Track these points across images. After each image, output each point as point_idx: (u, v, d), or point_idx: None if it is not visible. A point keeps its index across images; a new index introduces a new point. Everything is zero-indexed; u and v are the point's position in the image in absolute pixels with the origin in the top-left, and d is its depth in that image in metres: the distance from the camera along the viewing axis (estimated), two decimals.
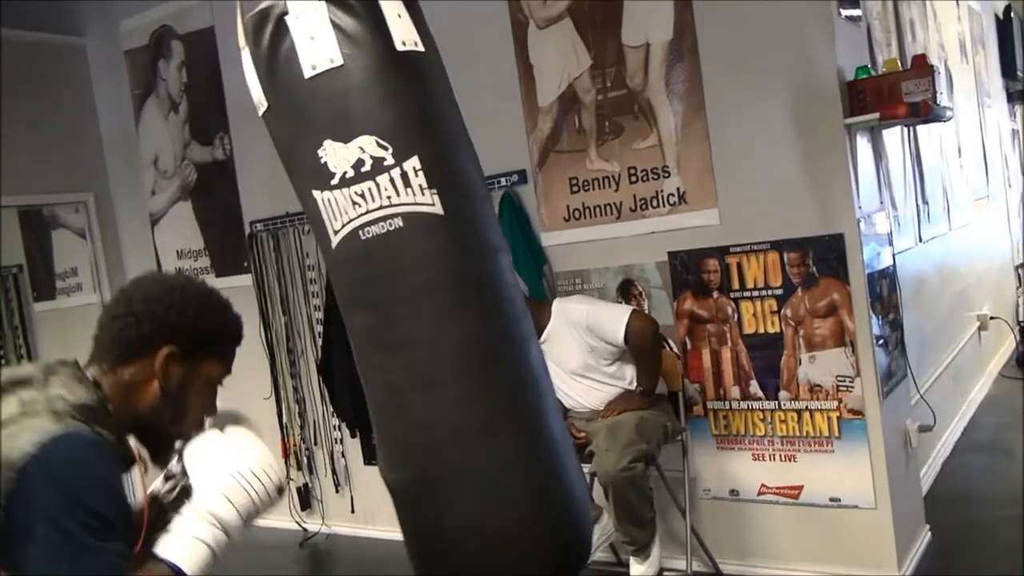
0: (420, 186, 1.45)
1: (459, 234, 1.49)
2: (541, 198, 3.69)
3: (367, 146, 1.45)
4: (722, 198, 3.28)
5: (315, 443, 4.66)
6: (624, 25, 3.38)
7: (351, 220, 1.46)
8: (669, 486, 3.32)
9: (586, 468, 3.41)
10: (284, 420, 4.67)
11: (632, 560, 3.13)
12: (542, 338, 3.27)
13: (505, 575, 1.48)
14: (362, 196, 1.45)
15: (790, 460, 3.28)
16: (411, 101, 1.51)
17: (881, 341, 3.19)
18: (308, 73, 1.44)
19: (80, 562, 1.08)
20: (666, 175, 3.38)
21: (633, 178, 3.45)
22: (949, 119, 3.71)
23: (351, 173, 1.45)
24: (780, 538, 3.35)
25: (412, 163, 1.46)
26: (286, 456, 4.69)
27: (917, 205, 4.36)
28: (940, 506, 3.69)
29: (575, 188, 3.59)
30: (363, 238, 1.45)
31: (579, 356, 3.22)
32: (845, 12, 3.13)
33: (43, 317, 5.81)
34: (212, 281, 4.93)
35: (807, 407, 3.21)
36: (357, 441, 4.49)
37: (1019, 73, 7.24)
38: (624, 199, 3.48)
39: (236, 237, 4.73)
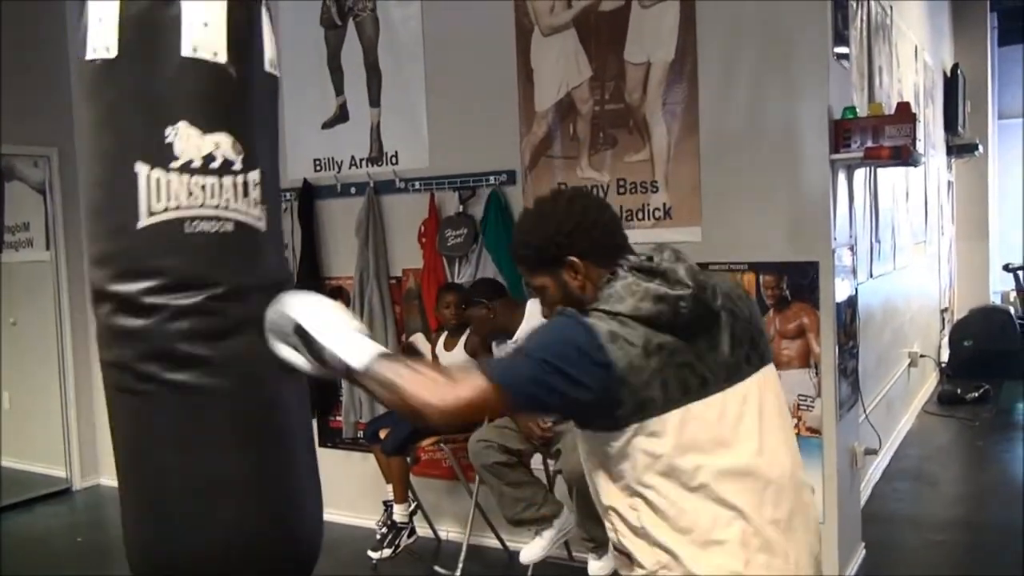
0: (255, 199, 1.52)
1: (273, 253, 1.59)
2: (528, 200, 3.79)
3: (223, 143, 1.48)
4: (706, 217, 3.44)
5: None
6: (628, 42, 3.51)
7: (180, 207, 1.45)
8: None
9: (552, 465, 3.54)
10: None
11: (590, 557, 3.25)
12: (514, 338, 3.36)
13: None
14: (202, 189, 1.46)
15: None
16: (268, 114, 1.62)
17: (841, 366, 3.38)
18: (187, 52, 1.44)
19: None
20: (654, 190, 3.52)
21: (621, 189, 3.58)
22: (921, 165, 3.96)
23: (198, 163, 1.46)
24: None
25: (254, 175, 1.52)
26: None
27: (871, 242, 4.62)
28: (873, 526, 3.92)
29: None
30: (187, 231, 1.45)
31: None
32: (837, 49, 3.32)
33: None
34: None
35: None
36: (314, 421, 4.50)
37: (959, 128, 7.68)
38: None
39: None
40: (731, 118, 3.36)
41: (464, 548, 3.64)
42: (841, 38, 3.41)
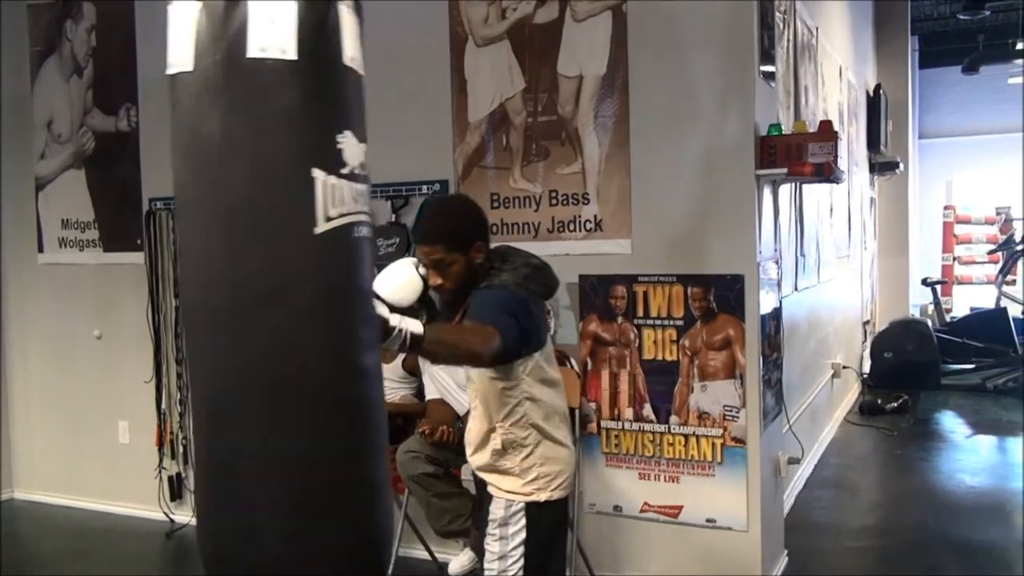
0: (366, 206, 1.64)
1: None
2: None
3: (366, 154, 1.59)
4: (636, 230, 3.48)
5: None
6: (561, 55, 3.54)
7: (350, 213, 1.54)
8: None
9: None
10: (163, 406, 4.53)
11: None
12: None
13: None
14: (361, 195, 1.57)
15: (673, 481, 3.49)
16: None
17: (765, 377, 3.46)
18: (347, 61, 1.53)
19: None
20: (585, 202, 3.55)
21: (553, 201, 3.61)
22: (843, 182, 4.07)
23: (358, 171, 1.55)
24: (656, 554, 3.55)
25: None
26: (160, 444, 4.55)
27: (796, 256, 4.73)
28: (796, 533, 4.00)
29: (495, 204, 3.71)
30: (355, 235, 1.54)
31: (463, 368, 3.28)
32: (763, 68, 3.40)
33: None
34: (99, 256, 4.74)
35: (695, 433, 3.44)
36: None
37: (882, 147, 7.94)
38: (543, 220, 3.63)
39: (131, 213, 4.57)
40: (661, 132, 3.42)
41: (393, 559, 3.59)
42: (768, 57, 3.50)
